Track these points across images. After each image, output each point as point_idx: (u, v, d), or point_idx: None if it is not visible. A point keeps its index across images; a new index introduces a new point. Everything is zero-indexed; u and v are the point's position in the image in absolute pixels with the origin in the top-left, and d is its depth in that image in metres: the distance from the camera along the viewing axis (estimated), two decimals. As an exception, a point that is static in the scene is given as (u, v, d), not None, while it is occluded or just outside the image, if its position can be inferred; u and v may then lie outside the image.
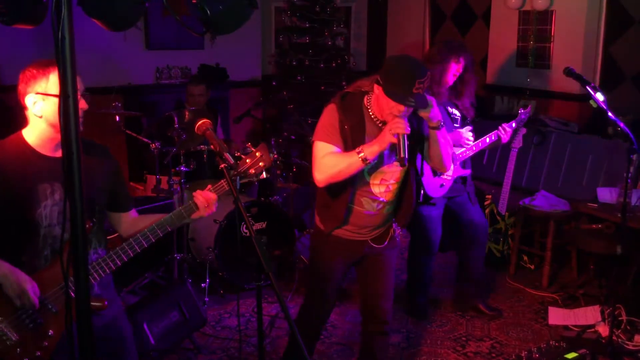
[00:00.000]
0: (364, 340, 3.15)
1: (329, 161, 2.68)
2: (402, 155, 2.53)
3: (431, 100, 2.69)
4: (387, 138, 2.56)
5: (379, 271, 2.99)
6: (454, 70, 3.84)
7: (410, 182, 2.87)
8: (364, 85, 2.79)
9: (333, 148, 2.71)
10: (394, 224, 2.96)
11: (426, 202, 3.93)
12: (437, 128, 2.77)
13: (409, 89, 2.54)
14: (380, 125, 2.73)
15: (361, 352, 3.19)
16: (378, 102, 2.68)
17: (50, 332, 2.19)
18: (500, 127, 3.94)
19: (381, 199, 2.81)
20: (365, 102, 2.77)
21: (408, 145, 2.57)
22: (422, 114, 2.71)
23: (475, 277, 4.24)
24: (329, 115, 2.75)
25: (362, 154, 2.59)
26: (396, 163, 2.71)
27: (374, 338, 3.07)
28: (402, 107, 2.58)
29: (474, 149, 3.95)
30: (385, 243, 2.95)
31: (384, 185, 2.80)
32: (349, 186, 2.76)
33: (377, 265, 2.98)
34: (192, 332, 3.75)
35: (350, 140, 2.69)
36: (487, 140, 3.96)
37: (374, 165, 2.73)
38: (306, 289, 3.19)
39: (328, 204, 2.85)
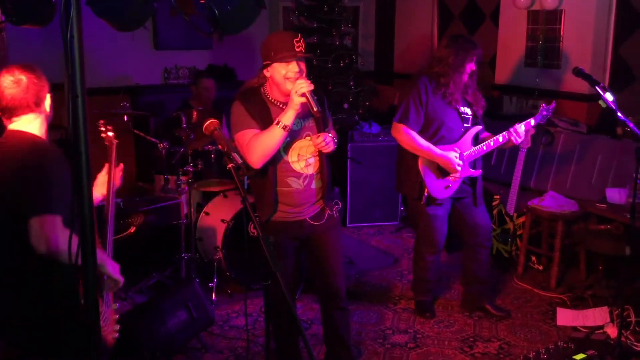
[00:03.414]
0: (325, 318, 3.31)
1: (254, 141, 2.85)
2: (314, 109, 2.75)
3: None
4: (296, 100, 2.76)
5: (325, 249, 3.15)
6: (469, 69, 3.83)
7: (323, 155, 3.04)
8: (252, 83, 3.03)
9: (253, 131, 2.89)
10: (327, 204, 3.11)
11: (431, 203, 3.93)
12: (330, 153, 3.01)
13: (292, 50, 2.81)
14: (282, 107, 2.92)
15: (324, 330, 3.35)
16: (273, 81, 2.91)
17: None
18: (510, 129, 3.90)
19: (305, 174, 3.00)
20: (262, 92, 2.98)
21: (316, 100, 2.77)
22: (322, 149, 2.96)
23: (480, 279, 4.22)
24: (236, 110, 2.95)
25: (280, 123, 2.79)
26: (310, 136, 2.97)
27: (333, 314, 3.23)
28: (295, 67, 2.82)
29: (485, 148, 3.93)
30: (324, 220, 3.11)
31: (302, 161, 2.99)
32: (272, 171, 2.95)
33: (322, 244, 3.14)
34: (199, 332, 3.76)
35: (261, 125, 2.89)
36: (500, 139, 3.93)
37: (287, 142, 2.92)
38: None
39: (260, 193, 3.03)
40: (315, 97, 2.78)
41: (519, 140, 3.92)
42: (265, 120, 2.91)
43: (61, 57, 1.47)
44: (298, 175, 2.99)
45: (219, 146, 2.44)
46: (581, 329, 4.01)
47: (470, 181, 4.01)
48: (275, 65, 2.85)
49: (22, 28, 3.01)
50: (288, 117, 2.81)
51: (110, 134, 2.91)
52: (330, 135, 2.97)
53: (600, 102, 3.38)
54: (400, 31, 7.78)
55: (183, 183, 4.57)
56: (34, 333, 2.34)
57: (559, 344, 3.83)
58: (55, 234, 2.16)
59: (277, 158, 2.93)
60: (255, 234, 2.24)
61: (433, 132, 3.86)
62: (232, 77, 7.06)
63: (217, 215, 4.64)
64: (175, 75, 6.80)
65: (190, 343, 3.74)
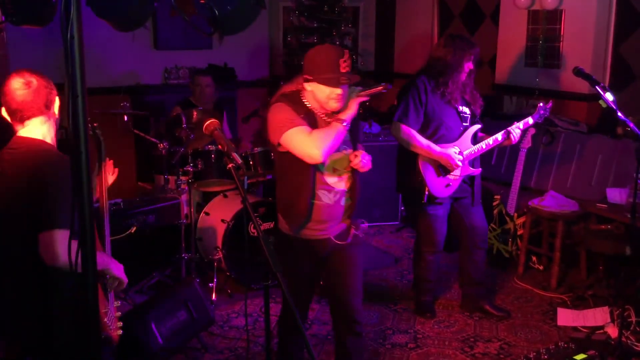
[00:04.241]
0: (337, 343, 3.12)
1: (319, 134, 2.74)
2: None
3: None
4: (354, 103, 2.76)
5: (346, 267, 2.99)
6: (467, 68, 3.84)
7: (357, 173, 2.94)
8: (290, 88, 2.92)
9: (308, 128, 2.76)
10: (353, 223, 2.99)
11: (431, 202, 3.93)
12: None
13: (337, 70, 2.69)
14: (324, 117, 2.83)
15: (337, 356, 3.15)
16: (314, 96, 2.79)
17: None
18: (507, 129, 3.91)
19: (336, 189, 2.87)
20: (303, 98, 2.87)
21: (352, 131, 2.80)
22: (358, 169, 2.86)
23: (476, 280, 4.23)
24: (283, 110, 2.81)
25: (339, 120, 2.73)
26: (344, 152, 2.86)
27: (346, 341, 3.03)
28: (339, 90, 2.71)
29: (484, 147, 3.94)
30: (349, 240, 2.97)
31: (336, 175, 2.87)
32: (309, 180, 2.82)
33: (343, 262, 2.99)
34: (199, 332, 3.76)
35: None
36: (499, 138, 3.94)
37: None
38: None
39: (291, 202, 2.88)
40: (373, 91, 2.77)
41: (517, 139, 3.93)
42: (310, 125, 2.78)
43: (61, 57, 1.47)
44: (329, 189, 2.86)
45: (219, 146, 2.44)
46: (582, 329, 4.01)
47: (470, 180, 4.02)
48: (319, 84, 2.74)
49: (23, 28, 3.00)
50: (347, 115, 2.75)
51: (97, 131, 2.83)
52: (368, 156, 2.87)
53: (601, 102, 3.38)
54: (400, 31, 7.78)
55: (183, 183, 4.57)
56: (34, 333, 2.34)
57: (559, 344, 3.83)
58: (62, 249, 2.17)
59: (313, 168, 2.80)
60: (256, 234, 2.23)
61: (432, 131, 3.87)
62: (232, 77, 7.06)
63: (217, 215, 4.64)
64: (176, 75, 6.80)
65: (191, 343, 3.74)
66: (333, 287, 3.06)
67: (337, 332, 3.10)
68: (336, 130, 2.73)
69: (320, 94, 2.76)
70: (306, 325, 4.06)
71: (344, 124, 2.73)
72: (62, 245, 2.18)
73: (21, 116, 2.35)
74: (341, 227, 2.96)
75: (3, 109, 2.39)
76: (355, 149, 2.90)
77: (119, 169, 3.04)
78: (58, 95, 2.44)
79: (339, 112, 2.79)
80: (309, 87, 2.78)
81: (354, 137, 2.92)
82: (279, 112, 2.81)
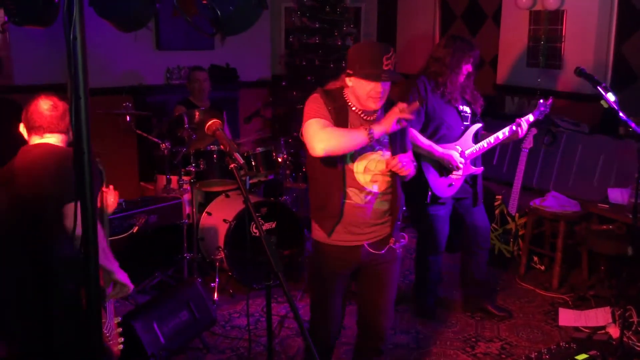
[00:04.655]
0: (358, 356, 3.08)
1: (334, 131, 2.65)
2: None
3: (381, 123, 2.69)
4: (392, 119, 2.59)
5: (379, 284, 2.90)
6: (466, 70, 3.84)
7: (396, 178, 2.81)
8: (335, 85, 2.84)
9: (325, 122, 2.68)
10: (394, 234, 2.89)
11: (434, 202, 3.93)
12: (405, 179, 2.81)
13: (379, 67, 2.62)
14: (361, 115, 2.75)
15: None
16: (354, 92, 2.71)
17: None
18: (517, 120, 3.91)
19: (368, 190, 2.74)
20: (344, 94, 2.78)
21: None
22: (396, 172, 2.71)
23: (478, 281, 4.23)
24: (314, 101, 2.75)
25: (369, 130, 2.60)
26: (379, 152, 2.75)
27: (369, 355, 2.99)
28: (379, 87, 2.63)
29: (486, 145, 3.94)
30: (384, 251, 2.85)
31: (368, 175, 2.74)
32: (338, 177, 2.72)
33: (377, 277, 2.90)
34: (201, 332, 3.77)
35: (335, 123, 2.69)
36: (501, 136, 3.94)
37: (357, 151, 2.71)
38: (310, 304, 3.08)
39: (323, 203, 2.78)
40: (373, 117, 2.72)
41: (524, 131, 3.92)
42: (340, 120, 2.71)
43: (64, 58, 1.48)
44: (361, 188, 2.74)
45: (221, 146, 2.44)
46: (583, 329, 4.01)
47: (472, 181, 4.02)
48: (360, 79, 2.66)
49: (25, 29, 3.01)
50: (379, 130, 2.62)
51: (97, 159, 2.72)
52: (410, 158, 2.74)
53: (602, 102, 3.38)
54: (402, 32, 7.78)
55: (185, 183, 4.58)
56: (34, 333, 2.35)
57: (561, 344, 3.83)
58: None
59: (342, 165, 2.71)
60: (257, 234, 2.24)
61: (433, 130, 3.87)
62: (234, 78, 7.07)
63: (219, 215, 4.65)
64: (178, 75, 6.81)
65: (192, 343, 3.75)
66: (363, 303, 2.97)
67: (360, 345, 3.06)
68: (357, 136, 2.62)
69: (360, 90, 2.68)
70: (308, 326, 4.06)
71: (371, 134, 2.61)
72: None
73: (43, 132, 2.52)
74: (375, 234, 2.83)
75: (21, 125, 2.55)
76: (395, 154, 2.75)
77: (120, 170, 3.05)
78: None
79: (374, 116, 2.73)
80: (350, 82, 2.71)
81: (396, 140, 2.80)
82: (308, 103, 2.76)
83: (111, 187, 2.89)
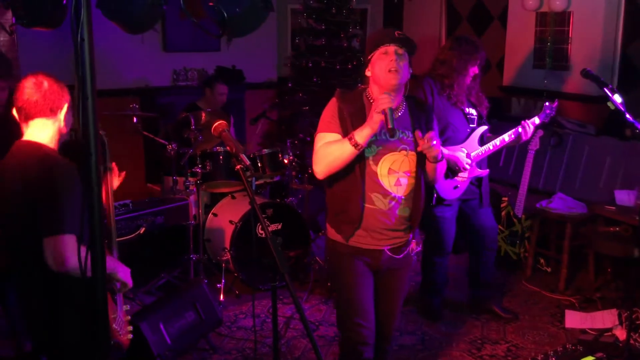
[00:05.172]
0: None
1: (324, 150, 2.62)
2: (389, 126, 2.46)
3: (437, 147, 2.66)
4: (375, 118, 2.50)
5: (392, 289, 2.88)
6: (472, 72, 3.84)
7: (420, 178, 2.73)
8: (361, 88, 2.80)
9: (331, 137, 2.64)
10: (411, 239, 2.82)
11: (439, 204, 3.92)
12: (435, 162, 2.72)
13: (391, 34, 2.65)
14: (374, 113, 2.65)
15: None
16: (376, 80, 2.65)
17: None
18: (523, 123, 3.89)
19: (393, 194, 2.64)
20: (365, 94, 2.74)
21: (396, 120, 2.56)
22: (426, 152, 2.65)
23: (486, 282, 4.22)
24: (329, 107, 2.72)
25: (352, 139, 2.52)
26: (402, 151, 2.67)
27: (376, 353, 2.91)
28: (393, 60, 2.57)
29: (491, 148, 3.93)
30: (402, 255, 2.79)
31: (394, 177, 2.65)
32: (360, 183, 2.63)
33: (391, 282, 2.86)
34: (207, 333, 3.78)
35: (351, 127, 2.61)
36: (506, 138, 3.93)
37: (378, 151, 2.64)
38: (338, 319, 2.93)
39: (343, 208, 2.70)
40: (395, 117, 2.54)
41: (530, 133, 3.91)
42: (355, 122, 2.61)
43: (72, 60, 1.49)
44: (385, 193, 2.63)
45: (227, 147, 2.45)
46: (590, 331, 4.00)
47: (478, 182, 4.01)
48: (375, 58, 2.62)
49: (33, 30, 3.03)
50: (363, 135, 2.51)
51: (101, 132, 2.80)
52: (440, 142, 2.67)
53: (609, 103, 3.37)
54: (408, 33, 7.68)
55: (191, 184, 4.60)
56: (43, 332, 2.36)
57: (567, 346, 3.82)
58: (70, 254, 2.16)
59: (364, 167, 2.62)
60: (263, 235, 2.25)
61: (439, 133, 3.86)
62: (240, 79, 7.09)
63: (226, 217, 4.66)
64: (184, 77, 6.83)
65: (198, 344, 3.76)
66: (376, 304, 2.86)
67: None
68: (343, 150, 2.55)
69: (378, 69, 2.61)
70: (313, 327, 4.06)
71: (354, 141, 2.52)
72: (65, 251, 2.16)
73: (26, 114, 2.35)
74: (396, 240, 2.75)
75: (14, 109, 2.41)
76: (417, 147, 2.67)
77: (127, 172, 3.02)
78: (69, 105, 2.42)
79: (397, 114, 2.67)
80: (369, 72, 2.68)
81: (420, 127, 2.72)
82: (325, 109, 2.74)
83: (115, 168, 2.88)
